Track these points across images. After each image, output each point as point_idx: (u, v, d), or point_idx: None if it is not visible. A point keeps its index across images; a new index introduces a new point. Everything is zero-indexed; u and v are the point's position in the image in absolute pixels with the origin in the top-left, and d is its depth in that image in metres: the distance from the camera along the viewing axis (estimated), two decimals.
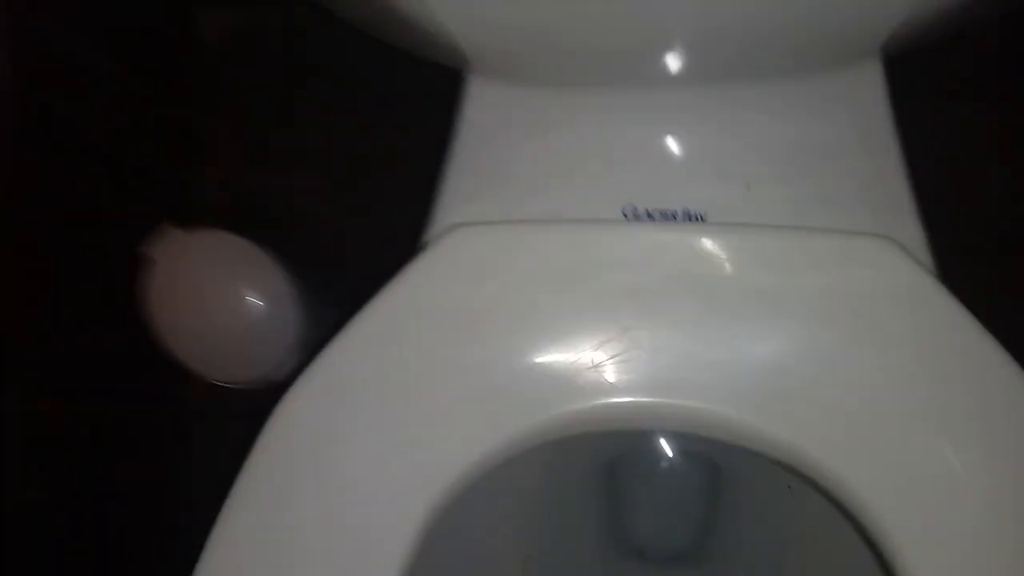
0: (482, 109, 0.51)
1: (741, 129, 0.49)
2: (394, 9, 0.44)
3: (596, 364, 0.44)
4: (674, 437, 0.62)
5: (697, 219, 0.48)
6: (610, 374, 0.44)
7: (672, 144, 0.50)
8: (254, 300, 0.70)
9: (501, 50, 0.49)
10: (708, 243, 0.44)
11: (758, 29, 0.45)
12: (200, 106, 0.86)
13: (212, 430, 0.89)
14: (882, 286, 0.43)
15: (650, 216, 0.49)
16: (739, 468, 0.61)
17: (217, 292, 0.70)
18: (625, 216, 0.49)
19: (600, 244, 0.46)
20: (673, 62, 0.47)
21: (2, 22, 0.63)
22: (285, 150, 0.85)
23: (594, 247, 0.45)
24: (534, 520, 0.60)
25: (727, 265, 0.44)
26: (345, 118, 0.83)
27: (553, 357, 0.44)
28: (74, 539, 0.75)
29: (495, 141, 0.51)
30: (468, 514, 0.48)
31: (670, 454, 0.64)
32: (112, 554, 0.80)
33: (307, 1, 0.52)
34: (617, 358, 0.44)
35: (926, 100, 0.64)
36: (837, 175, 0.49)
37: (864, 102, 0.49)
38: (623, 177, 0.50)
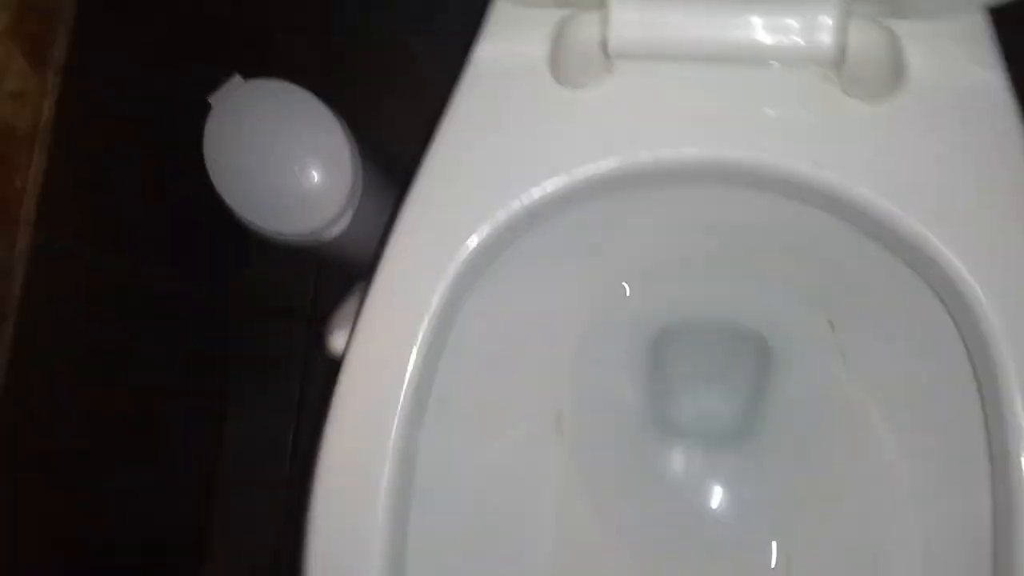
0: None
1: None
2: None
3: None
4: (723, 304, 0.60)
5: None
6: None
7: None
8: (311, 152, 0.69)
9: None
10: None
11: None
12: None
13: None
14: None
15: None
16: (789, 340, 0.59)
17: (274, 140, 0.69)
18: None
19: None
20: None
21: None
22: None
23: None
24: (566, 376, 0.59)
25: None
26: None
27: None
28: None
29: None
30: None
31: (717, 330, 0.62)
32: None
33: None
34: None
35: None
36: None
37: None
38: None
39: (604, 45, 0.47)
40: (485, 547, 0.54)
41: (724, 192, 0.52)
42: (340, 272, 0.96)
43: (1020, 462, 0.42)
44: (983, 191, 0.46)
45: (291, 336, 0.98)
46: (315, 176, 0.70)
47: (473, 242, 0.46)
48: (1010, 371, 0.43)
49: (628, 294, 0.60)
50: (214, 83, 0.71)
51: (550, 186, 0.47)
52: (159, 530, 0.90)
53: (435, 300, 0.46)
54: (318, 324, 0.93)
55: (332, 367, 0.51)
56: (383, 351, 0.46)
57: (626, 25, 0.47)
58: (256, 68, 0.73)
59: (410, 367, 0.45)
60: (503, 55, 0.50)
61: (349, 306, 0.59)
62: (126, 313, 0.78)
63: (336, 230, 0.72)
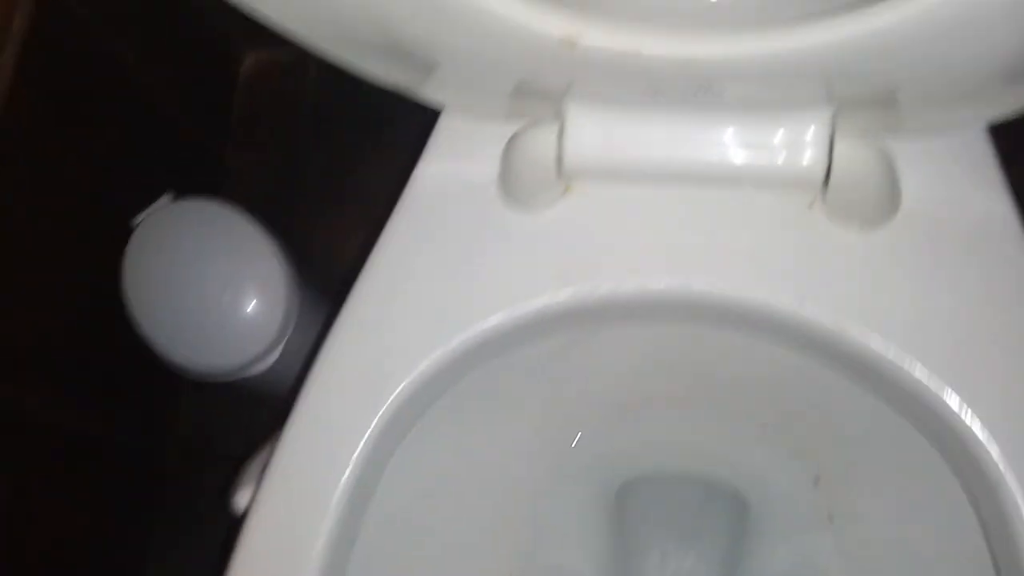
0: None
1: None
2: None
3: None
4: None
5: None
6: None
7: None
8: (240, 280, 0.63)
9: None
10: None
11: None
12: None
13: None
14: None
15: None
16: (769, 498, 0.52)
17: (200, 267, 0.63)
18: None
19: None
20: None
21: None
22: None
23: None
24: (511, 548, 0.51)
25: None
26: None
27: None
28: None
29: None
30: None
31: (686, 486, 0.55)
32: None
33: None
34: None
35: None
36: None
37: None
38: None
39: (559, 163, 0.42)
40: None
41: (692, 329, 0.46)
42: (274, 413, 0.89)
43: None
44: (993, 334, 0.40)
45: (222, 484, 0.90)
46: (244, 307, 0.63)
47: (401, 390, 0.39)
48: None
49: (583, 444, 0.52)
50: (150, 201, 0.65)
51: (494, 321, 0.40)
52: None
53: (354, 458, 0.39)
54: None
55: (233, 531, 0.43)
56: (290, 519, 0.38)
57: (584, 141, 0.42)
58: (198, 184, 0.67)
59: (321, 540, 0.37)
60: (448, 173, 0.45)
61: (261, 458, 0.51)
62: (43, 455, 0.71)
63: (264, 366, 0.65)
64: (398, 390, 0.39)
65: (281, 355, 0.64)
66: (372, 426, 0.38)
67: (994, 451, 0.39)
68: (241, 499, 0.44)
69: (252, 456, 0.51)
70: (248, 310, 0.63)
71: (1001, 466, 0.39)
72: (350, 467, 0.38)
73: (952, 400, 0.39)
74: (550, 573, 0.51)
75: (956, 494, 0.44)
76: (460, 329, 0.40)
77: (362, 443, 0.38)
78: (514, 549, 0.50)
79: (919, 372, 0.40)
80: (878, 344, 0.40)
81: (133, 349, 0.66)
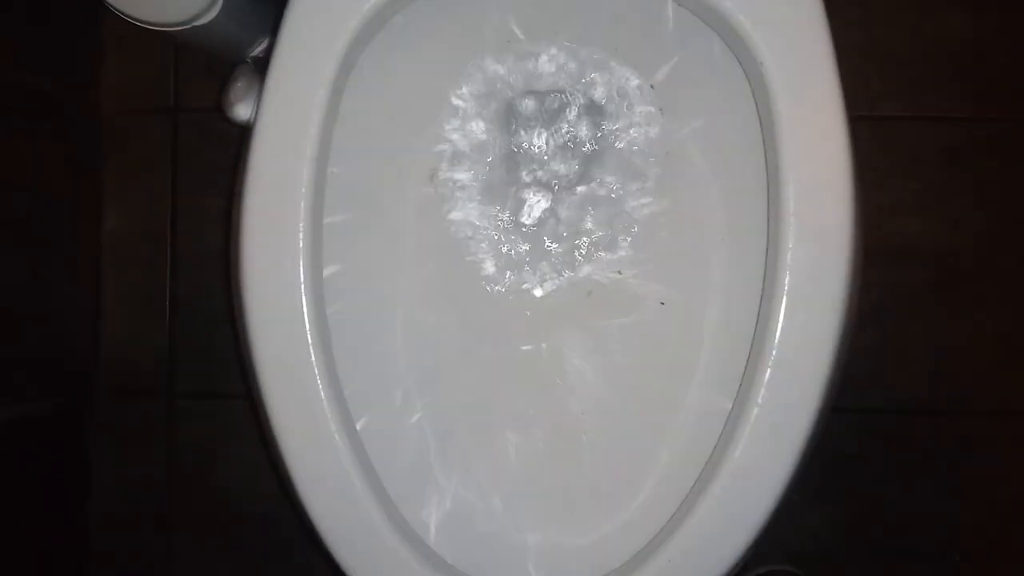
0: None
1: None
2: None
3: None
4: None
5: None
6: None
7: None
8: None
9: None
10: None
11: None
12: None
13: None
14: None
15: None
16: (619, 102, 0.72)
17: None
18: None
19: None
20: None
21: None
22: None
23: None
24: (439, 137, 0.70)
25: None
26: None
27: None
28: None
29: None
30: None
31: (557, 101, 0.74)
32: None
33: None
34: None
35: None
36: None
37: None
38: None
39: None
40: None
41: None
42: (196, 61, 1.01)
43: (780, 156, 0.57)
44: None
45: (159, 128, 1.03)
46: None
47: (364, 10, 0.55)
48: (780, 104, 0.57)
49: (486, 64, 0.70)
50: None
51: None
52: (56, 302, 0.96)
53: (330, 68, 0.55)
54: (182, 115, 0.99)
55: (241, 132, 0.60)
56: (291, 109, 0.55)
57: None
58: None
59: (315, 119, 0.54)
60: None
61: (240, 83, 0.66)
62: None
63: (208, 17, 0.77)
64: (361, 11, 0.54)
65: (222, 8, 0.76)
66: (341, 44, 0.54)
67: (765, 51, 0.58)
68: (241, 111, 0.60)
69: (234, 76, 0.66)
70: None
71: (769, 61, 0.58)
72: (328, 73, 0.54)
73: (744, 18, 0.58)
74: (466, 155, 0.71)
75: (742, 82, 0.64)
76: None
77: (335, 56, 0.54)
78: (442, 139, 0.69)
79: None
80: None
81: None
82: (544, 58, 0.73)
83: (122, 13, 0.76)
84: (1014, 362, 0.98)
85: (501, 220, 0.72)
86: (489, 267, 0.71)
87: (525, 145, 0.73)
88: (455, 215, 0.71)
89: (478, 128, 0.71)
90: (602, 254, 0.71)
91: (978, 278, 0.98)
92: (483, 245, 0.72)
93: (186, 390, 1.02)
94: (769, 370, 0.57)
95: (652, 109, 0.72)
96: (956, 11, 0.98)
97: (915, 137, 0.98)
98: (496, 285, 0.71)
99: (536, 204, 0.72)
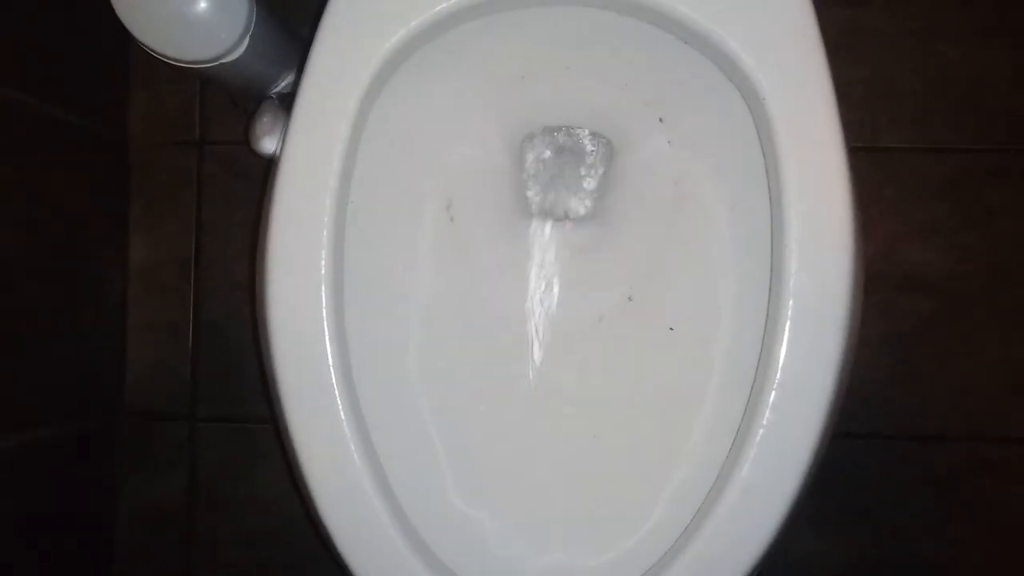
0: None
1: None
2: None
3: None
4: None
5: None
6: None
7: None
8: None
9: None
10: None
11: None
12: None
13: None
14: None
15: None
16: (628, 135, 0.74)
17: None
18: None
19: None
20: None
21: None
22: None
23: None
24: (455, 169, 0.73)
25: None
26: None
27: None
28: None
29: None
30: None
31: (571, 132, 0.76)
32: None
33: None
34: None
35: None
36: None
37: None
38: None
39: None
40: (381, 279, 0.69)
41: (579, 10, 0.65)
42: (221, 95, 1.04)
43: (780, 175, 0.60)
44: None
45: (184, 161, 1.07)
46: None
47: (385, 49, 0.58)
48: (780, 136, 0.59)
49: (501, 98, 0.73)
50: None
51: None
52: (83, 328, 0.99)
53: (352, 103, 0.58)
54: (207, 147, 1.03)
55: (267, 164, 0.63)
56: (315, 140, 0.58)
57: None
58: None
59: (338, 151, 0.57)
60: None
61: (266, 117, 0.69)
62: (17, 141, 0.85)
63: (235, 55, 0.81)
64: (384, 48, 0.57)
65: (248, 46, 0.80)
66: (365, 78, 0.57)
67: (764, 82, 0.61)
68: (266, 144, 0.63)
69: (260, 111, 0.69)
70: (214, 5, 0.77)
71: (767, 90, 0.61)
72: (351, 108, 0.57)
73: (743, 51, 0.60)
74: (480, 186, 0.74)
75: (743, 111, 0.67)
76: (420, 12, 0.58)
77: (359, 90, 0.57)
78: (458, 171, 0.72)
79: (724, 36, 0.61)
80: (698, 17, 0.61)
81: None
82: (556, 92, 0.75)
83: (150, 49, 0.79)
84: None
85: (514, 248, 0.74)
86: (502, 294, 0.74)
87: (537, 176, 0.75)
88: (469, 243, 0.74)
89: (492, 159, 0.74)
90: (612, 279, 0.73)
91: (986, 304, 1.00)
92: (496, 272, 0.74)
93: (209, 414, 1.05)
94: (774, 392, 0.59)
95: (661, 141, 0.74)
96: (955, 44, 1.01)
97: (919, 167, 1.00)
98: (509, 310, 0.74)
99: (548, 232, 0.75)
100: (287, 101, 0.67)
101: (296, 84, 0.59)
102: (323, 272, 0.58)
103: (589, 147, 0.77)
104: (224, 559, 1.05)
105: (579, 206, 0.76)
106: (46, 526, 0.91)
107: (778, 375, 0.59)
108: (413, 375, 0.71)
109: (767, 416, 0.59)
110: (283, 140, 0.59)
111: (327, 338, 0.59)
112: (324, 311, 0.59)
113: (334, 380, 0.59)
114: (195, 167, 1.06)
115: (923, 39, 1.01)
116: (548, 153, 0.76)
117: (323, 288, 0.58)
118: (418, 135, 0.69)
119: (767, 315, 0.63)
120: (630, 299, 0.73)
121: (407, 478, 0.64)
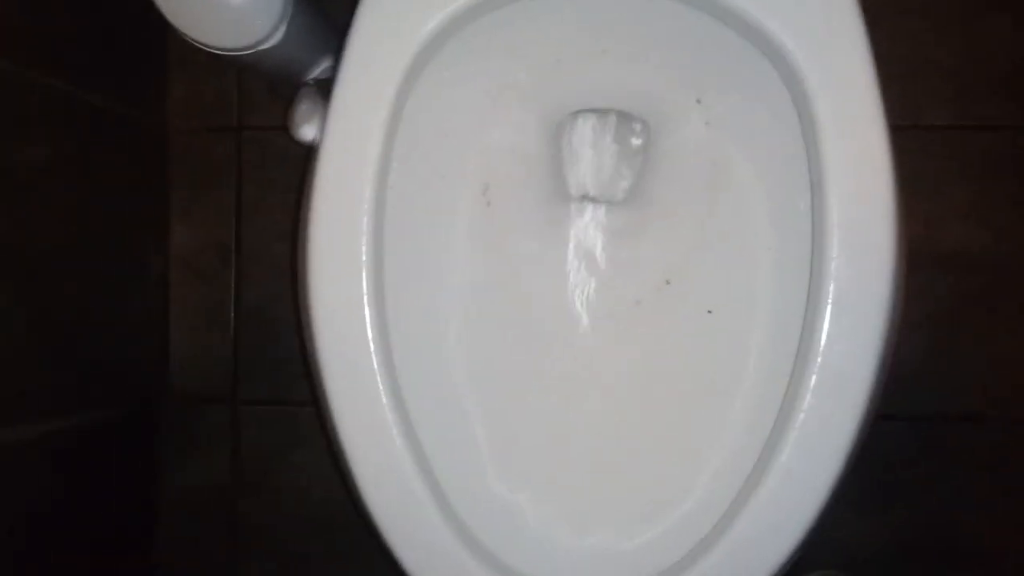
0: None
1: None
2: None
3: None
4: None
5: None
6: None
7: None
8: None
9: None
10: None
11: None
12: None
13: None
14: None
15: None
16: (666, 117, 0.74)
17: None
18: None
19: None
20: None
21: None
22: None
23: None
24: (491, 154, 0.73)
25: None
26: None
27: None
28: None
29: None
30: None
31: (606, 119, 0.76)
32: None
33: None
34: None
35: None
36: None
37: None
38: None
39: None
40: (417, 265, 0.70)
41: None
42: (258, 82, 1.05)
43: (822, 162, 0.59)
44: None
45: (223, 146, 1.08)
46: None
47: (422, 35, 0.58)
48: (821, 116, 0.59)
49: (537, 82, 0.73)
50: None
51: None
52: (126, 312, 1.01)
53: (391, 90, 0.58)
54: (245, 133, 1.03)
55: (306, 152, 0.63)
56: (355, 127, 0.58)
57: None
58: None
59: (377, 139, 0.58)
60: None
61: (305, 105, 0.70)
62: (60, 129, 0.86)
63: (272, 42, 0.81)
64: (422, 32, 0.57)
65: (285, 34, 0.80)
66: (403, 62, 0.58)
67: (803, 64, 0.60)
68: (307, 131, 0.63)
69: (298, 98, 0.70)
70: None
71: (807, 72, 0.60)
72: (390, 94, 0.58)
73: (781, 31, 0.60)
74: (517, 169, 0.74)
75: (783, 93, 0.66)
76: None
77: (398, 75, 0.58)
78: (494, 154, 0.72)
79: (762, 13, 0.60)
80: None
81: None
82: (593, 75, 0.75)
83: (188, 37, 0.80)
84: None
85: (551, 232, 0.75)
86: (540, 278, 0.74)
87: (575, 159, 0.75)
88: (506, 227, 0.74)
89: (529, 143, 0.74)
90: (650, 263, 0.73)
91: None
92: (534, 256, 0.74)
93: (250, 397, 1.06)
94: (815, 376, 0.59)
95: (699, 123, 0.74)
96: (999, 19, 0.99)
97: (962, 146, 0.99)
98: (546, 294, 0.74)
99: (586, 216, 0.75)
100: (325, 87, 0.67)
101: (334, 71, 0.59)
102: (364, 258, 0.59)
103: (626, 130, 0.76)
104: (266, 540, 1.07)
105: (616, 190, 0.76)
106: (90, 508, 0.93)
107: (819, 359, 0.59)
108: (452, 359, 0.72)
109: (808, 400, 0.59)
110: (322, 128, 0.59)
111: (368, 323, 0.60)
112: (365, 296, 0.60)
113: (375, 365, 0.60)
114: (234, 153, 1.07)
115: (965, 14, 0.99)
116: (585, 136, 0.76)
117: (364, 274, 0.59)
118: (454, 120, 0.70)
119: (807, 298, 0.63)
120: (668, 282, 0.73)
121: (447, 461, 0.65)
